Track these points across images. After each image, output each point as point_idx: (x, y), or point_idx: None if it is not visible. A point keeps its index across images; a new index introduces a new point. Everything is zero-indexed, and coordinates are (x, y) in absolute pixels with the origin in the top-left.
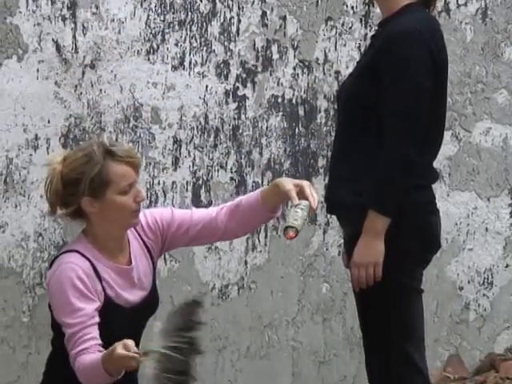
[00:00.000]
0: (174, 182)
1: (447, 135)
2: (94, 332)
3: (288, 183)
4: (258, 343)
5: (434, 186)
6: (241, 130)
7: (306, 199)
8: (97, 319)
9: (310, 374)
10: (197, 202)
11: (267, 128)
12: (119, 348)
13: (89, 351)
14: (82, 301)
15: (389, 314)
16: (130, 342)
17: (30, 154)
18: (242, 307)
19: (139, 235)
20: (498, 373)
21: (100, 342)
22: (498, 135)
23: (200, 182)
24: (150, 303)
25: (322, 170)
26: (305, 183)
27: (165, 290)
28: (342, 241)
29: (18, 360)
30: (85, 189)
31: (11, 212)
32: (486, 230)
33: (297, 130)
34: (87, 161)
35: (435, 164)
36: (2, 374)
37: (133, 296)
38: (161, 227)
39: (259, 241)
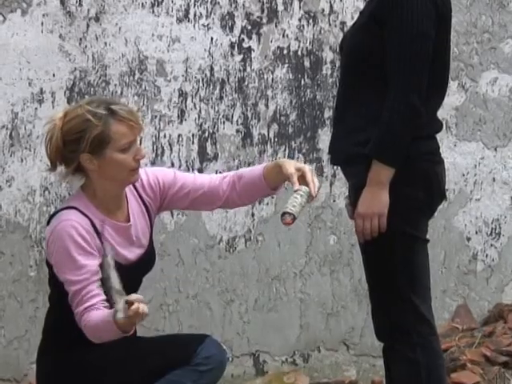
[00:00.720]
0: (179, 135)
1: (454, 85)
2: (98, 288)
3: (290, 166)
4: (265, 295)
5: (440, 136)
6: (246, 82)
7: (307, 185)
8: (100, 275)
9: (317, 325)
10: (203, 155)
11: (273, 80)
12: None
13: (95, 308)
14: (85, 257)
15: (394, 264)
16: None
17: (36, 108)
18: (249, 260)
19: (138, 193)
20: (507, 323)
21: (104, 297)
22: (504, 85)
23: (206, 134)
24: (147, 260)
25: (327, 122)
26: (307, 168)
27: (172, 243)
28: None
29: (26, 314)
30: (85, 146)
31: (17, 166)
32: (494, 180)
33: (302, 82)
34: (88, 118)
35: (442, 114)
36: (10, 329)
37: (131, 253)
38: (161, 187)
39: None
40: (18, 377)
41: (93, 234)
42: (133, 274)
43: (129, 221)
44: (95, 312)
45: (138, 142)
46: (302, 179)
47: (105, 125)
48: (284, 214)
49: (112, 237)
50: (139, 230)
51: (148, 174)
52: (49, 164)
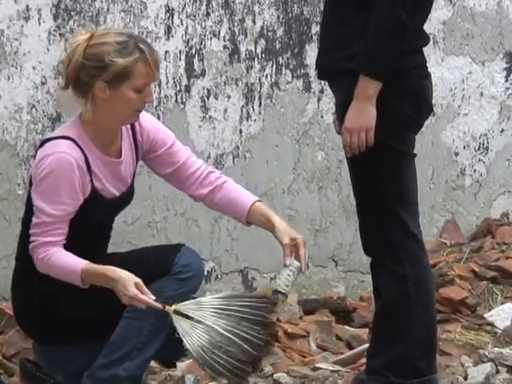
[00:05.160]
0: (166, 52)
1: None
2: (66, 229)
3: (285, 236)
4: None
5: (427, 51)
6: None
7: (299, 257)
8: (71, 217)
9: (306, 242)
10: (190, 72)
11: None
12: (131, 285)
13: (58, 245)
14: (69, 196)
15: (381, 178)
16: (142, 284)
17: (22, 26)
18: (237, 176)
19: (133, 132)
20: (494, 238)
21: (66, 236)
22: None
23: (193, 51)
24: (127, 197)
25: (315, 37)
26: (300, 241)
27: None
28: None
29: (14, 233)
30: (107, 76)
31: (4, 84)
32: (481, 94)
33: None
34: (120, 50)
35: (429, 29)
36: None
37: (115, 189)
38: (156, 140)
39: (253, 109)
40: (7, 295)
41: (84, 170)
42: (113, 210)
43: (120, 156)
44: (58, 250)
45: (152, 85)
46: (295, 250)
47: (132, 62)
48: (277, 292)
49: (101, 171)
50: (127, 168)
51: (152, 123)
52: (62, 82)
